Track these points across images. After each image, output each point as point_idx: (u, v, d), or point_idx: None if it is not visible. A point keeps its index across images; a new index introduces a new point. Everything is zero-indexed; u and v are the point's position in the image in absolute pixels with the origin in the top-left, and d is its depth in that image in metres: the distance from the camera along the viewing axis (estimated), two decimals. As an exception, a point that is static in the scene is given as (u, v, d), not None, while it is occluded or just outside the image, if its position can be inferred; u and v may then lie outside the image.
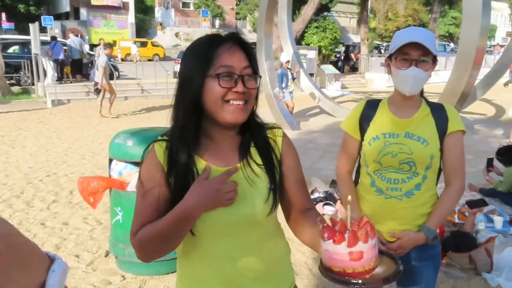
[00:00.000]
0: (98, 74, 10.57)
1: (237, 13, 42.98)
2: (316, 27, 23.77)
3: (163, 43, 33.88)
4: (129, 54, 28.17)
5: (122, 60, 26.74)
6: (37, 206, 4.68)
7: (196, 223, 1.08)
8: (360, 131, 1.77)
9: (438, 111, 1.70)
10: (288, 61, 9.89)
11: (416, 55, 1.58)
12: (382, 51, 27.62)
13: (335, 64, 22.88)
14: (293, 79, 10.25)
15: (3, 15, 27.26)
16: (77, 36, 16.02)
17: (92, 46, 24.40)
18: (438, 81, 13.03)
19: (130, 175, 3.08)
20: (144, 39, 32.00)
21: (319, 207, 4.60)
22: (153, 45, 30.64)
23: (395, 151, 1.66)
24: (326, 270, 0.95)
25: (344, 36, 33.80)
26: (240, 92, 1.07)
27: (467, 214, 3.96)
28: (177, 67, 18.15)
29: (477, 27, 6.28)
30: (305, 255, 3.56)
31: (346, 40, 33.54)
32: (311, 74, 15.62)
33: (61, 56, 14.14)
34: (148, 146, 1.16)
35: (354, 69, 24.89)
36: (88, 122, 10.17)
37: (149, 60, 24.60)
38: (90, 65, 15.73)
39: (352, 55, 25.90)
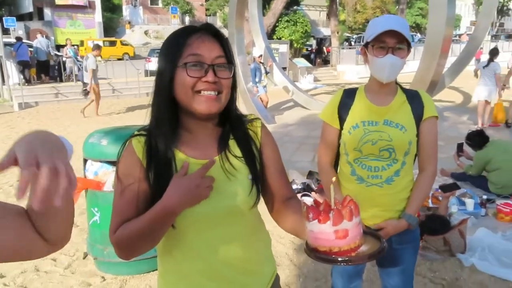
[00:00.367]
0: (86, 76, 10.39)
1: (207, 9, 42.57)
2: (287, 21, 23.86)
3: (133, 42, 33.21)
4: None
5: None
6: (8, 212, 4.52)
7: (177, 217, 1.06)
8: (339, 120, 1.78)
9: (414, 98, 1.74)
10: (260, 56, 9.90)
11: (392, 43, 1.60)
12: (352, 43, 27.97)
13: (307, 57, 23.05)
14: (266, 73, 10.27)
15: (-38, 16, 26.07)
16: (43, 37, 15.52)
17: (59, 47, 23.70)
18: (407, 70, 13.30)
19: (106, 175, 3.02)
20: (112, 38, 31.26)
21: (297, 198, 4.63)
22: (122, 44, 30.00)
23: (375, 139, 1.69)
24: (312, 251, 0.95)
25: (315, 30, 34.05)
26: (211, 82, 1.05)
27: (440, 198, 4.08)
28: (148, 66, 18.01)
29: (443, 17, 6.46)
30: (286, 246, 3.59)
31: (317, 33, 33.80)
32: (284, 68, 15.71)
33: (26, 58, 13.67)
34: (126, 142, 1.13)
35: (325, 61, 25.15)
36: (58, 124, 9.88)
37: (119, 59, 24.08)
38: (56, 66, 15.29)
39: (324, 48, 26.15)
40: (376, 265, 2.01)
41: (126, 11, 41.24)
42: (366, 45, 1.69)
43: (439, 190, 4.14)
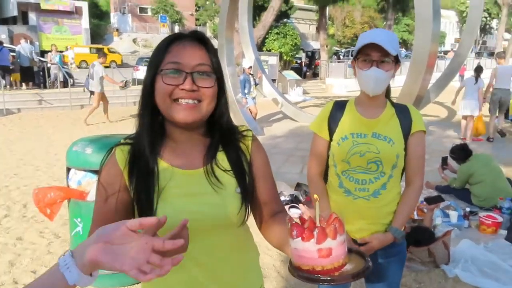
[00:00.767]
0: (93, 84, 10.21)
1: (196, 19, 42.76)
2: (277, 33, 24.09)
3: (120, 50, 33.06)
4: (84, 61, 27.31)
5: (77, 67, 25.89)
6: (-13, 221, 4.41)
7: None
8: (328, 131, 1.79)
9: (403, 112, 1.76)
10: (250, 67, 9.94)
11: (376, 56, 1.62)
12: (341, 57, 28.34)
13: (296, 70, 23.24)
14: (256, 85, 10.31)
15: None
16: (27, 42, 15.31)
17: (43, 53, 23.42)
18: (394, 85, 13.50)
19: (90, 184, 2.97)
20: (99, 45, 31.08)
21: (284, 210, 4.62)
22: (110, 51, 29.80)
23: (363, 151, 1.70)
24: (295, 270, 0.93)
25: (304, 43, 34.43)
26: (188, 90, 1.02)
27: (425, 210, 4.12)
28: (136, 74, 17.90)
29: (429, 34, 6.60)
30: (273, 258, 3.56)
31: (306, 47, 34.17)
32: (273, 80, 15.80)
33: (7, 63, 13.42)
34: (110, 150, 1.12)
35: (314, 74, 25.39)
36: (42, 132, 9.73)
37: (106, 67, 23.93)
38: (41, 72, 15.06)
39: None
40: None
41: (114, 18, 41.12)
42: (354, 58, 1.71)
43: (424, 202, 4.18)
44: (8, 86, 13.56)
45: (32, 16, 32.95)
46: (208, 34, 40.95)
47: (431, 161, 5.97)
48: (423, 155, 1.77)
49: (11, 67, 13.89)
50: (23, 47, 14.33)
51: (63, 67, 15.53)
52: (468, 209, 4.47)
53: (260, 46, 20.99)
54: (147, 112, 1.07)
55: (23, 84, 14.34)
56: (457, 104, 8.82)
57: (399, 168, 1.74)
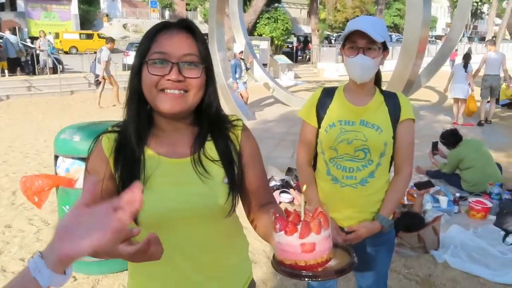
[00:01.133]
0: (99, 67, 10.57)
1: (187, 4, 42.09)
2: (268, 18, 23.83)
3: (110, 35, 32.53)
4: (74, 47, 26.88)
5: (66, 53, 25.48)
6: (-24, 209, 4.36)
7: (142, 216, 1.02)
8: (317, 119, 1.78)
9: (391, 100, 1.74)
10: (241, 52, 9.85)
11: (363, 43, 1.60)
12: (333, 41, 28.20)
13: (288, 54, 23.11)
14: (247, 69, 10.23)
15: None
16: (13, 33, 14.98)
17: (33, 39, 22.97)
18: (385, 70, 13.53)
19: (78, 172, 2.93)
20: (89, 31, 30.53)
21: (276, 195, 4.63)
22: (100, 37, 29.33)
23: (350, 138, 1.69)
24: (278, 264, 0.91)
25: (296, 27, 34.19)
26: (174, 80, 1.00)
27: (415, 195, 4.14)
28: (126, 60, 17.66)
29: (419, 18, 6.57)
30: (263, 243, 3.57)
31: (298, 31, 33.92)
32: (265, 65, 15.69)
33: None
34: (97, 138, 1.10)
35: (309, 59, 25.31)
36: (31, 118, 9.60)
37: (95, 52, 23.58)
38: (29, 61, 14.77)
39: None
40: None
41: (103, 3, 40.30)
42: (342, 45, 1.69)
43: (414, 188, 4.20)
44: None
45: (20, 3, 32.16)
46: (199, 19, 40.47)
47: (421, 146, 5.99)
48: (412, 143, 1.76)
49: None
50: (9, 38, 14.00)
51: (52, 53, 15.25)
52: (458, 195, 4.51)
53: (251, 31, 20.80)
54: (134, 101, 1.06)
55: (11, 73, 14.06)
56: (449, 90, 8.99)
57: (387, 156, 1.73)
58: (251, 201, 1.18)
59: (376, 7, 30.32)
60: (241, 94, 9.87)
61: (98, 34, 29.69)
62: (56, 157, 3.03)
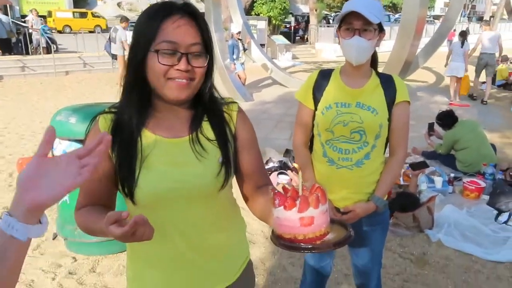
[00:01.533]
0: (115, 47, 10.36)
1: (182, -18, 41.35)
2: (265, -4, 23.46)
3: (105, 14, 31.99)
4: (67, 26, 26.46)
5: (60, 32, 25.09)
6: (-27, 191, 4.37)
7: (139, 195, 1.05)
8: (313, 101, 1.78)
9: (387, 82, 1.74)
10: (239, 32, 9.73)
11: (358, 25, 1.59)
12: (331, 21, 27.87)
13: (285, 34, 22.85)
14: (244, 50, 10.13)
15: None
16: (4, 13, 14.67)
17: (24, 17, 22.56)
18: (383, 50, 13.46)
19: (75, 153, 2.93)
20: (83, 10, 30.01)
21: (273, 176, 4.66)
22: (94, 16, 28.86)
23: (346, 120, 1.70)
24: (277, 238, 0.94)
25: (294, 7, 33.66)
26: (183, 70, 1.01)
27: (410, 176, 4.18)
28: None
29: (418, -3, 6.48)
30: (261, 224, 3.62)
31: (296, 10, 33.45)
32: (262, 45, 15.53)
33: None
34: (94, 119, 1.12)
35: (303, 39, 25.04)
36: (25, 99, 9.51)
37: (91, 31, 23.22)
38: (20, 43, 14.52)
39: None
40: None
41: (97, -19, 39.51)
42: (338, 27, 1.69)
43: (409, 168, 4.24)
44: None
45: (10, -22, 31.49)
46: (195, -3, 39.79)
47: (417, 126, 6.02)
48: (407, 126, 1.77)
49: None
50: (0, 18, 13.73)
51: (46, 32, 15.00)
52: (452, 175, 4.56)
53: (249, 10, 20.50)
54: (137, 86, 1.06)
55: (3, 53, 13.84)
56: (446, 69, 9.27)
57: (382, 138, 1.74)
58: (247, 183, 1.20)
59: (374, -15, 29.87)
60: (238, 75, 9.80)
61: (92, 13, 29.20)
62: (53, 139, 3.03)
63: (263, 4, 23.33)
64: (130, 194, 1.06)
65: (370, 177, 1.77)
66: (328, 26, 22.57)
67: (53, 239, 3.33)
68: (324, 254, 1.97)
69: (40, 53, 14.35)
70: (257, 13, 22.75)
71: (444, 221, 3.60)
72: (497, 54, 9.30)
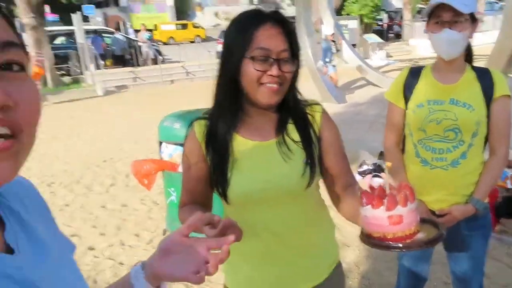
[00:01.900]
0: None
1: (274, -13, 42.10)
2: (356, -5, 22.88)
3: (204, 24, 33.90)
4: (171, 37, 28.57)
5: (164, 43, 27.26)
6: (96, 189, 5.03)
7: (230, 195, 1.15)
8: (404, 100, 1.75)
9: (484, 76, 1.65)
10: (332, 34, 9.63)
11: (448, 17, 1.53)
12: (427, 15, 26.12)
13: (378, 32, 22.00)
14: (337, 51, 10.02)
15: (47, 8, 28.20)
16: (117, 28, 16.51)
17: (135, 32, 24.90)
18: (487, 41, 12.24)
19: (180, 157, 3.21)
20: (184, 21, 32.18)
21: (367, 179, 4.58)
22: (194, 26, 30.74)
23: (439, 118, 1.64)
24: (366, 237, 0.95)
25: (386, 3, 32.19)
26: (275, 76, 1.08)
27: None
28: (220, 47, 18.33)
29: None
30: (355, 227, 3.50)
31: (388, 7, 31.96)
32: (354, 45, 15.18)
33: (100, 51, 14.69)
34: (190, 125, 1.23)
35: (397, 36, 23.84)
36: (138, 107, 10.56)
37: (191, 42, 24.81)
38: (136, 57, 16.08)
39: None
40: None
41: (196, -7, 42.06)
42: (427, 22, 1.64)
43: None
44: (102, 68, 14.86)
45: (122, -2, 35.08)
46: (287, 1, 40.20)
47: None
48: (508, 122, 1.65)
49: (103, 53, 15.19)
50: (117, 38, 15.51)
51: (153, 45, 16.49)
52: None
53: (339, 10, 20.15)
54: (230, 91, 1.13)
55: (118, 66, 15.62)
56: None
57: (480, 136, 1.65)
58: (334, 183, 1.23)
59: (481, -29, 27.26)
60: (331, 77, 9.74)
61: (192, 24, 31.15)
62: (160, 143, 3.36)
63: (354, 2, 22.77)
64: (223, 194, 1.16)
65: (468, 178, 1.68)
66: (423, 21, 21.18)
67: (164, 234, 3.69)
68: (420, 258, 1.91)
69: (148, 64, 15.81)
70: (348, 13, 22.28)
71: None
72: None
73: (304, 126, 1.20)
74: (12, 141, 0.49)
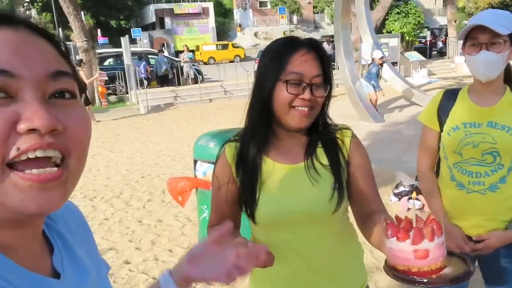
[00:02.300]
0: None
1: (314, 7, 42.51)
2: (397, 13, 22.57)
3: (243, 44, 34.74)
4: (212, 57, 29.39)
5: (205, 63, 28.06)
6: (134, 205, 5.17)
7: (258, 217, 1.17)
8: (439, 122, 1.72)
9: None
10: (382, 57, 9.43)
11: (485, 39, 1.50)
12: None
13: (420, 50, 21.56)
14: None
15: (99, 31, 29.94)
16: (161, 49, 17.32)
17: (178, 53, 25.89)
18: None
19: (213, 175, 3.29)
20: (225, 42, 33.12)
21: (404, 201, 4.45)
22: (234, 46, 31.57)
23: (476, 141, 1.59)
24: (390, 269, 0.93)
25: (429, 19, 31.65)
26: (307, 99, 1.11)
27: None
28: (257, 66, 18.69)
29: None
30: (388, 251, 3.48)
31: (432, 24, 31.36)
32: (394, 63, 14.94)
33: (145, 75, 15.50)
34: (222, 147, 1.28)
35: (441, 53, 23.23)
36: (177, 125, 10.86)
37: (231, 61, 25.43)
38: (177, 77, 16.76)
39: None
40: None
41: (237, 14, 43.31)
42: (463, 44, 1.62)
43: None
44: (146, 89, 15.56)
45: (167, 21, 36.82)
46: (326, 20, 40.40)
47: None
48: None
49: (149, 77, 16.04)
50: (159, 60, 16.32)
51: (193, 65, 17.05)
52: None
53: (380, 28, 19.94)
54: (262, 114, 1.17)
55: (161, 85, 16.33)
56: None
57: None
58: (361, 208, 1.22)
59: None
60: (369, 96, 9.60)
61: (232, 44, 31.96)
62: (195, 161, 3.45)
63: (395, 20, 22.48)
64: (251, 215, 1.19)
65: (507, 203, 1.61)
66: (471, 38, 20.55)
67: (195, 251, 3.74)
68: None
69: (189, 84, 16.30)
70: (388, 30, 22.02)
71: None
72: None
73: (333, 150, 1.21)
74: (62, 170, 0.52)
